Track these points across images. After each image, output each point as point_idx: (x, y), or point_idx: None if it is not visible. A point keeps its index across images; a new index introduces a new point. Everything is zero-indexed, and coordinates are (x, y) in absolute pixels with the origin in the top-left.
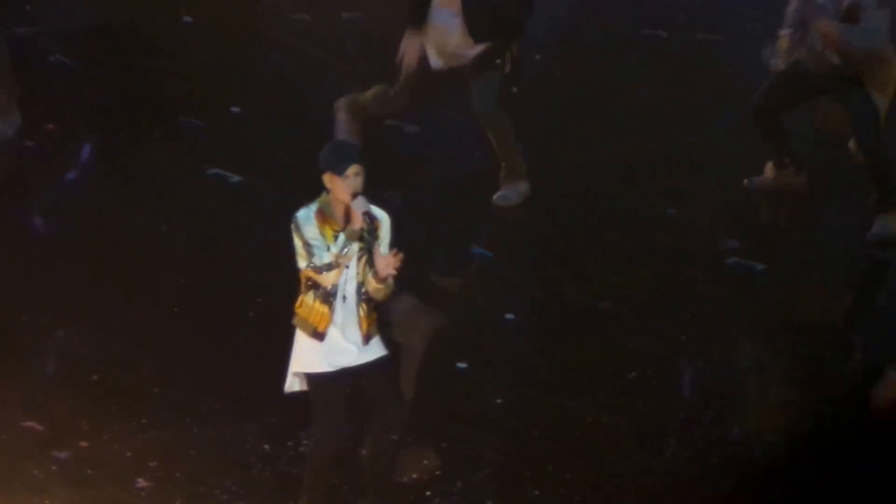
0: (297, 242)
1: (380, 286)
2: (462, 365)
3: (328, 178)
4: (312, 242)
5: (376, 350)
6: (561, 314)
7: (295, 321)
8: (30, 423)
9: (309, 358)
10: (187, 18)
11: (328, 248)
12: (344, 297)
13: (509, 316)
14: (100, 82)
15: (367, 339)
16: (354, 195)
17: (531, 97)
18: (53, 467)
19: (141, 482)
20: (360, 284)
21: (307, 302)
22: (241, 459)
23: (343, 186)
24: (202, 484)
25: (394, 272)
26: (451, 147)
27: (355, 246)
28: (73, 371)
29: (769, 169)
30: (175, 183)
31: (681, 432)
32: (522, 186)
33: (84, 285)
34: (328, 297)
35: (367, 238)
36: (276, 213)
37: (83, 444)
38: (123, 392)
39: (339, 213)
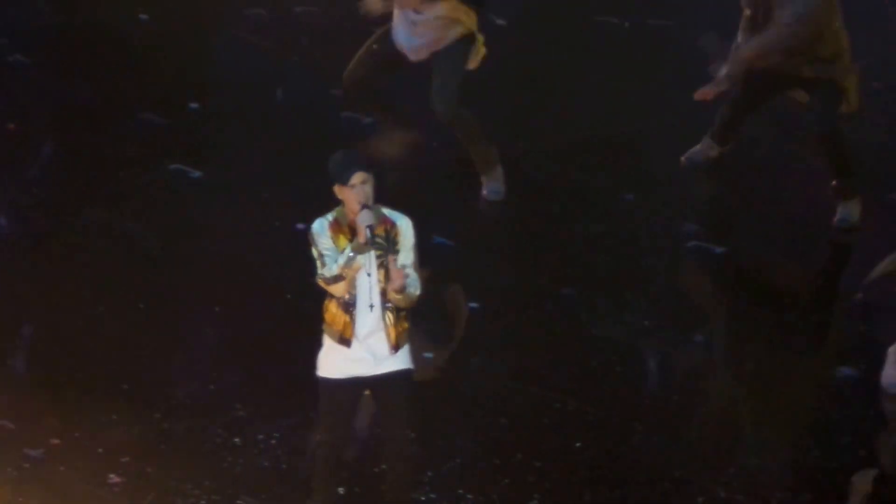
0: (314, 253)
1: (398, 296)
2: (428, 355)
3: (337, 189)
4: (325, 253)
5: (399, 362)
6: (524, 301)
7: (323, 327)
8: (1, 422)
9: (326, 363)
10: (143, 16)
11: (337, 260)
12: (371, 306)
13: (473, 304)
14: (59, 81)
15: (395, 348)
16: (363, 206)
17: (489, 86)
18: (26, 465)
19: (113, 478)
20: (384, 292)
21: (331, 309)
22: (211, 453)
23: (351, 195)
24: (174, 478)
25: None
26: (410, 137)
27: (361, 258)
28: (43, 369)
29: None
30: (136, 179)
31: (647, 417)
32: (501, 174)
33: (49, 283)
34: (348, 306)
35: (384, 245)
36: (237, 207)
37: (55, 441)
38: (93, 389)
39: (353, 223)
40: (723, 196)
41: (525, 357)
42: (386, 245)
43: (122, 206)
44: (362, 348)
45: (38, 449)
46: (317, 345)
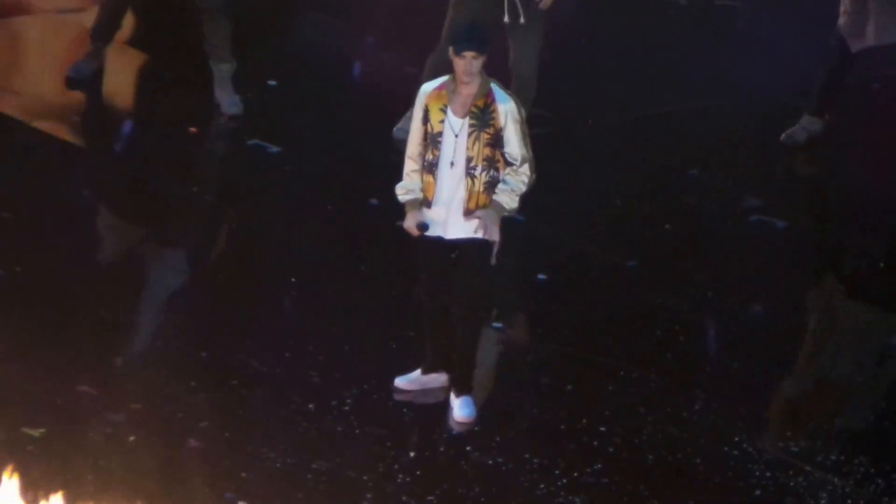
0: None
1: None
2: (497, 325)
3: (450, 52)
4: (412, 119)
5: (470, 229)
6: (591, 273)
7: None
8: (84, 388)
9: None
10: None
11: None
12: (452, 164)
13: (541, 276)
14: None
15: (468, 214)
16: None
17: (557, 61)
18: (108, 429)
19: (192, 442)
20: (470, 159)
21: (425, 179)
22: (287, 419)
23: (461, 65)
24: (250, 443)
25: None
26: None
27: (453, 121)
28: (124, 337)
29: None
30: (215, 154)
31: (708, 385)
32: None
33: (129, 254)
34: (431, 167)
35: (480, 116)
36: (313, 181)
37: (136, 406)
38: (173, 356)
39: (456, 92)
40: (787, 171)
41: (591, 326)
42: (484, 118)
43: (202, 181)
44: (443, 211)
45: (119, 413)
46: (392, 313)
